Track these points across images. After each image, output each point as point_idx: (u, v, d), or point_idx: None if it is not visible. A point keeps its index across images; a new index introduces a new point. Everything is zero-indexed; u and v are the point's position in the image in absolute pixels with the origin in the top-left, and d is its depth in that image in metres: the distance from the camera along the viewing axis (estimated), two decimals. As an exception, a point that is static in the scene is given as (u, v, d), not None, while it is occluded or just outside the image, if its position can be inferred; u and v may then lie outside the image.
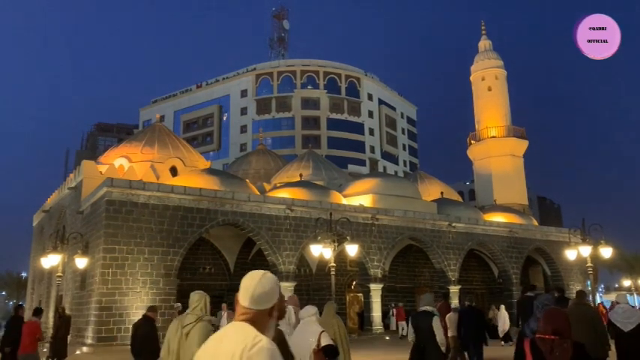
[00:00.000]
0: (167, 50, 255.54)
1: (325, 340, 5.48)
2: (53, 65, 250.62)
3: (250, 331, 2.37)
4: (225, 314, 20.94)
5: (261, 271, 2.64)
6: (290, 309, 7.09)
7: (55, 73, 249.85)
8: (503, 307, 23.22)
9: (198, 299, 5.19)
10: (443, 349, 7.47)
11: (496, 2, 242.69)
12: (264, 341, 2.30)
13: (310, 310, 5.81)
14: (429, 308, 7.97)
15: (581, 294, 9.17)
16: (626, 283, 46.94)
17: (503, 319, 21.81)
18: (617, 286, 55.99)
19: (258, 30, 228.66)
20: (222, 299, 26.77)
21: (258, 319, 2.44)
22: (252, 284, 2.55)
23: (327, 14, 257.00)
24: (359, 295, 30.17)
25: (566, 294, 14.76)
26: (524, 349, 3.93)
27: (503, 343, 20.37)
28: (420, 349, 7.53)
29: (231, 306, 26.26)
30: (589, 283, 29.07)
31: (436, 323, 7.57)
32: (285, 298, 8.26)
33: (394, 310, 28.47)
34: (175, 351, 4.94)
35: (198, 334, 4.86)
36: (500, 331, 21.30)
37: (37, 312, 11.62)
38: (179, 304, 19.41)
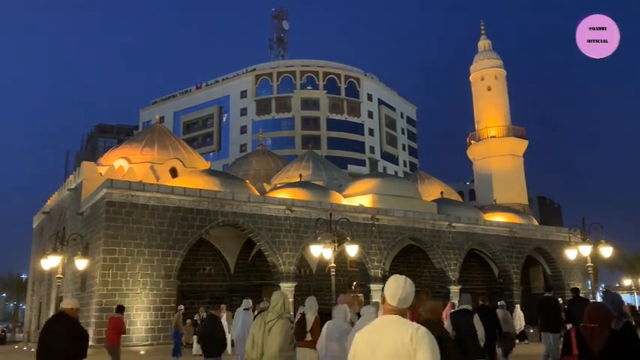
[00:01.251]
0: (167, 51, 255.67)
1: None
2: (53, 66, 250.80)
3: (406, 321, 3.11)
4: (224, 315, 20.92)
5: (403, 277, 3.28)
6: (346, 307, 7.69)
7: (55, 74, 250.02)
8: (518, 306, 23.61)
9: (277, 299, 5.89)
10: (482, 344, 7.99)
11: (496, 2, 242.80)
12: (423, 328, 3.03)
13: (370, 308, 7.06)
14: (468, 307, 8.56)
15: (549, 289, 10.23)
16: (627, 282, 46.90)
17: (518, 318, 22.06)
18: (617, 285, 55.97)
19: (257, 31, 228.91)
20: (223, 300, 26.80)
21: (402, 314, 3.17)
22: (399, 289, 3.21)
23: (327, 15, 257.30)
24: (359, 295, 30.16)
25: (582, 293, 15.54)
26: (571, 336, 4.86)
27: (517, 340, 20.49)
28: (461, 344, 7.98)
29: (232, 308, 26.30)
30: (589, 282, 29.08)
31: (477, 320, 8.06)
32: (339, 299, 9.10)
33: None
34: (260, 344, 5.62)
35: (279, 329, 5.58)
36: (517, 329, 21.50)
37: (120, 309, 13.04)
38: (182, 306, 19.42)
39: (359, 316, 8.22)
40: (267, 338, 5.65)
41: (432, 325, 5.26)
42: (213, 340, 9.60)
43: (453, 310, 9.26)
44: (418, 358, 2.93)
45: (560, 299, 18.81)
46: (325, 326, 7.45)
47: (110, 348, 12.36)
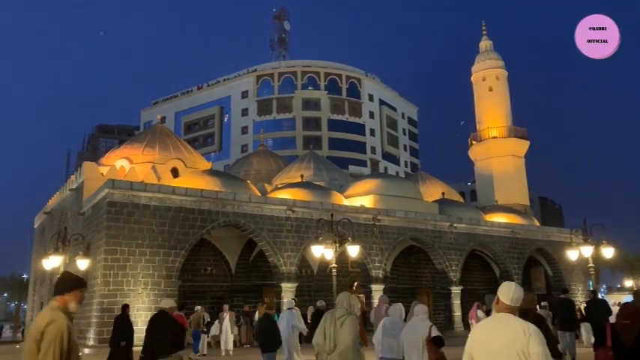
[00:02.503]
0: (168, 51, 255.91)
1: (434, 332, 7.13)
2: (54, 66, 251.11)
3: (518, 318, 3.74)
4: (227, 315, 20.96)
5: (514, 283, 4.05)
6: (401, 306, 8.45)
7: (56, 75, 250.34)
8: (538, 306, 23.59)
9: (343, 298, 6.75)
10: None
11: (497, 2, 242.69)
12: (532, 325, 3.65)
13: (422, 308, 7.53)
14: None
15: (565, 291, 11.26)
16: (628, 283, 46.83)
17: None
18: (619, 286, 55.88)
19: (258, 31, 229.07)
20: (224, 300, 26.80)
21: (513, 312, 3.80)
22: (512, 291, 3.88)
23: (328, 15, 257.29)
24: (361, 296, 30.14)
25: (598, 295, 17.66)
26: (606, 332, 5.53)
27: None
28: None
29: (233, 308, 26.29)
30: (591, 283, 29.05)
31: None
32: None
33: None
34: (332, 335, 6.40)
35: (350, 324, 6.42)
36: None
37: (183, 307, 14.43)
38: (199, 307, 20.25)
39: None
40: (339, 332, 6.39)
41: (530, 313, 6.28)
42: (270, 336, 10.53)
43: (489, 309, 9.70)
44: (531, 348, 3.54)
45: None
46: (382, 322, 8.22)
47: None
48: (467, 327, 24.15)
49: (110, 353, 11.61)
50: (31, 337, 4.17)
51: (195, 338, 18.25)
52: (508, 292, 3.88)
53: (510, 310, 3.80)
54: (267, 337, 10.58)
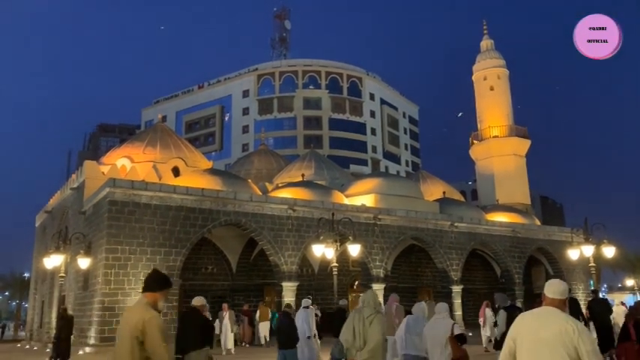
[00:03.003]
0: (169, 51, 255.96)
1: (457, 330, 7.47)
2: (55, 65, 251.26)
3: (565, 314, 4.01)
4: (226, 314, 21.01)
5: (559, 279, 4.36)
6: (424, 304, 8.85)
7: (57, 74, 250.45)
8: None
9: (370, 297, 7.25)
10: None
11: (499, 2, 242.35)
12: (580, 323, 3.91)
13: (444, 306, 7.85)
14: (510, 303, 9.98)
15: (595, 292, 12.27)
16: (629, 282, 46.78)
17: None
18: (620, 285, 55.84)
19: (259, 30, 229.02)
20: (225, 299, 26.83)
21: (560, 306, 4.07)
22: (558, 287, 4.16)
23: (329, 14, 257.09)
24: (361, 295, 30.15)
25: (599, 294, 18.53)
26: (628, 327, 6.09)
27: None
28: None
29: (236, 307, 26.31)
30: (592, 282, 29.04)
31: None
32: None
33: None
34: (361, 333, 6.81)
35: (378, 322, 6.86)
36: None
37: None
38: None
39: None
40: (369, 330, 6.82)
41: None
42: (288, 334, 11.12)
43: (506, 306, 10.06)
44: (583, 346, 3.73)
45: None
46: (405, 321, 8.53)
47: None
48: (476, 326, 23.96)
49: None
50: (128, 333, 4.43)
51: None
52: (555, 288, 4.18)
53: (556, 303, 4.08)
54: (285, 334, 11.07)
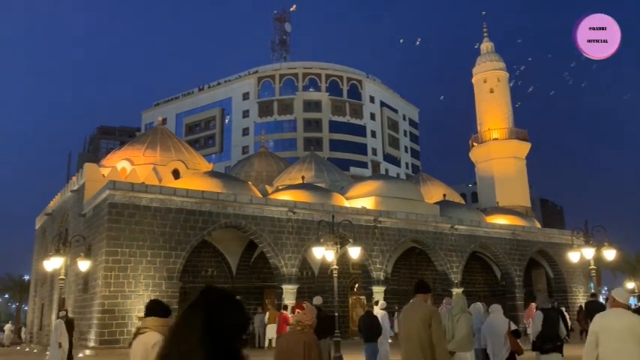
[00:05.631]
0: (169, 53, 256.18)
1: (513, 326, 9.08)
2: (55, 68, 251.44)
3: (632, 313, 5.57)
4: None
5: (623, 288, 5.90)
6: (480, 305, 10.94)
7: (57, 76, 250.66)
8: (563, 309, 23.88)
9: (459, 300, 9.26)
10: (562, 336, 9.85)
11: (499, 4, 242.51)
12: (638, 316, 5.53)
13: (498, 307, 9.45)
14: (550, 305, 10.71)
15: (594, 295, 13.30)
16: (630, 285, 46.76)
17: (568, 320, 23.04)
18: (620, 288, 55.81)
19: (260, 33, 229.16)
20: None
21: (624, 307, 5.61)
22: (622, 292, 5.72)
23: (329, 17, 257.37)
24: (361, 297, 30.11)
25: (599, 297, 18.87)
26: None
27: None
28: (552, 336, 9.42)
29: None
30: (592, 285, 29.00)
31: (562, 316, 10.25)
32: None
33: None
34: (450, 329, 8.62)
35: (464, 320, 8.74)
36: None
37: (284, 307, 18.61)
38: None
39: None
40: (457, 326, 8.67)
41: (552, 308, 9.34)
42: (371, 329, 13.18)
43: (545, 307, 10.45)
44: None
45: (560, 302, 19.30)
46: (486, 323, 9.71)
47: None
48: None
49: None
50: (420, 322, 6.22)
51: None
52: (621, 294, 5.71)
53: (622, 305, 5.59)
54: (370, 329, 13.22)
